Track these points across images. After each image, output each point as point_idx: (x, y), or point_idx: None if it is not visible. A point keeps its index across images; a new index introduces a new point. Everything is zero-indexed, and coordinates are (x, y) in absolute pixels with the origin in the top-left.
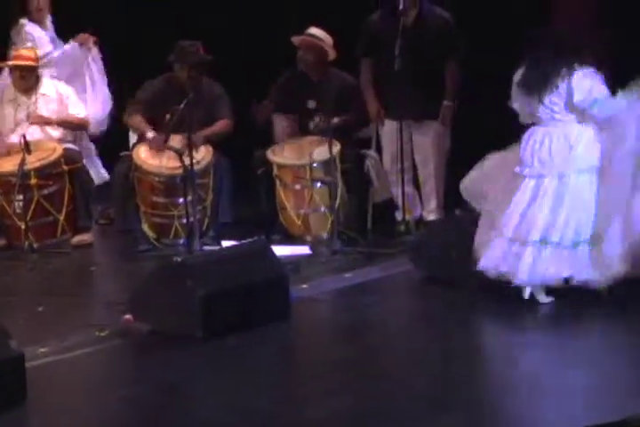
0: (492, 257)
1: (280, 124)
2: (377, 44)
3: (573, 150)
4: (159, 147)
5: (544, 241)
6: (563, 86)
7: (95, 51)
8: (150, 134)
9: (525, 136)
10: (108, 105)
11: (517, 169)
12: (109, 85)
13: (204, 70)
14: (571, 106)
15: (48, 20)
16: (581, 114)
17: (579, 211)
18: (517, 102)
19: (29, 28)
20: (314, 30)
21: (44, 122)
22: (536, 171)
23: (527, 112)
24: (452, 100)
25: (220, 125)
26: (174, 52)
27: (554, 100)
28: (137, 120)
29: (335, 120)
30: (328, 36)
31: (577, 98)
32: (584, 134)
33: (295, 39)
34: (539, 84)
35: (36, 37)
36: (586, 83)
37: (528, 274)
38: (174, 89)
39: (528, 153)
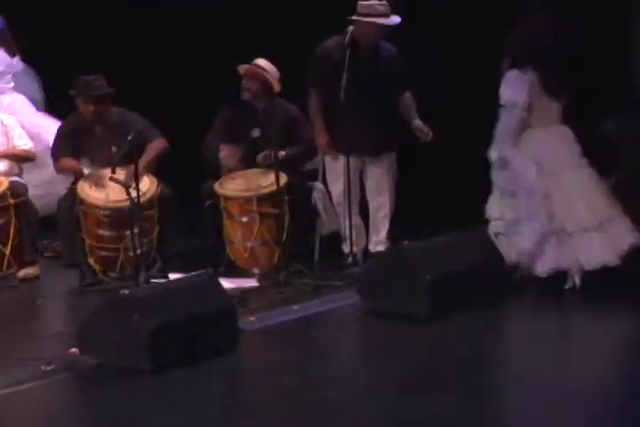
0: (549, 258)
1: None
2: (330, 74)
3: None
4: (101, 179)
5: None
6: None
7: None
8: (87, 171)
9: (540, 137)
10: None
11: (548, 167)
12: None
13: (108, 103)
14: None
15: None
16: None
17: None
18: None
19: None
20: (260, 61)
21: None
22: (568, 166)
23: (537, 113)
24: (418, 118)
25: (154, 148)
26: (77, 86)
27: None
28: (66, 162)
29: (282, 153)
30: (274, 68)
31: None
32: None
33: (241, 68)
34: (560, 86)
35: None
36: None
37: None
38: (81, 127)
39: (556, 151)
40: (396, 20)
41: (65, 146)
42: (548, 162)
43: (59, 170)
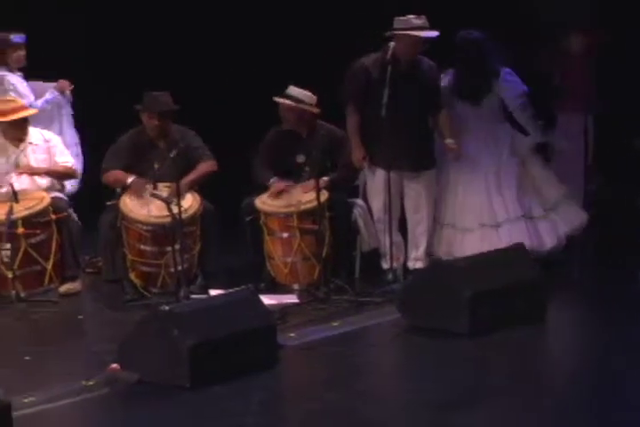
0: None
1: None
2: (367, 90)
3: (502, 147)
4: (141, 190)
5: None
6: (495, 88)
7: (69, 97)
8: (130, 179)
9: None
10: (79, 161)
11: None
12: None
13: (171, 119)
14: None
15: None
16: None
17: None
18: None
19: (11, 78)
20: (293, 90)
21: (32, 172)
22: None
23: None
24: (453, 138)
25: (204, 168)
26: (143, 100)
27: (488, 103)
28: (113, 174)
29: (325, 179)
30: (309, 94)
31: (509, 97)
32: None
33: (276, 99)
34: (476, 87)
35: (19, 88)
36: (512, 82)
37: None
38: (144, 142)
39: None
40: (434, 33)
41: (119, 159)
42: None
43: (106, 180)
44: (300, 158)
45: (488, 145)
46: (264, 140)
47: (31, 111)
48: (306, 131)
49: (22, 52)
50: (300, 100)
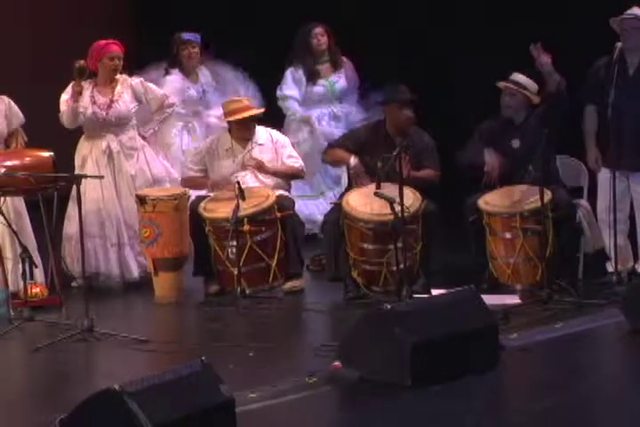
0: None
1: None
2: (600, 91)
3: None
4: (359, 172)
5: None
6: None
7: None
8: (352, 160)
9: None
10: None
11: None
12: None
13: (411, 109)
14: None
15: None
16: None
17: None
18: None
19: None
20: (517, 77)
21: (260, 168)
22: None
23: None
24: None
25: (427, 173)
26: (386, 93)
27: None
28: (335, 152)
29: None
30: (532, 82)
31: None
32: None
33: (500, 84)
34: None
35: None
36: None
37: None
38: (381, 136)
39: None
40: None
41: (346, 142)
42: None
43: (327, 158)
44: (515, 144)
45: None
46: (479, 126)
47: (257, 111)
48: (523, 118)
49: (194, 50)
50: (523, 86)
